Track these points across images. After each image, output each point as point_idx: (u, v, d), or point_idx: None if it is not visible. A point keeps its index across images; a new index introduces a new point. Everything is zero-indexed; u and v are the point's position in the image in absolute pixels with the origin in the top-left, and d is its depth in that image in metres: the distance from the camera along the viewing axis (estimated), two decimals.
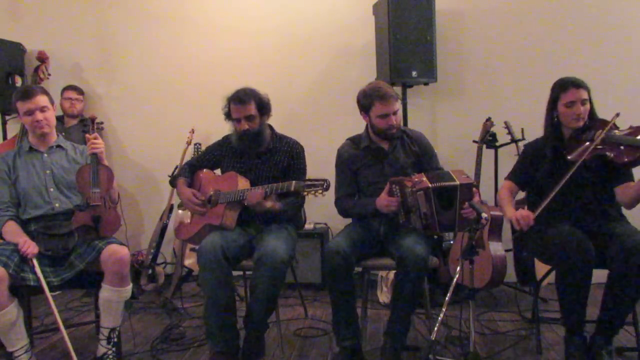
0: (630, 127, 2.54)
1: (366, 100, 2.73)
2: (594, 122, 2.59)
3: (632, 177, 2.57)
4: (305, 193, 2.48)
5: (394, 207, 2.59)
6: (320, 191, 2.45)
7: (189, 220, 3.01)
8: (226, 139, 3.03)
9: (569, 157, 2.55)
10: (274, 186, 2.62)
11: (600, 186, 2.57)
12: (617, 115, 2.50)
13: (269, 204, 2.66)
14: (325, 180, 2.46)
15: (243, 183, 2.79)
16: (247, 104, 2.79)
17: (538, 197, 2.69)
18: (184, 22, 4.32)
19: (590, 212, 2.57)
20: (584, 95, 2.55)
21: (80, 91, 4.24)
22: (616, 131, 2.53)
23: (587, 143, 2.51)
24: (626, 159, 2.44)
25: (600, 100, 2.50)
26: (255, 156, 2.90)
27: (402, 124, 2.83)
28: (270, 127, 2.96)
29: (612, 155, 2.47)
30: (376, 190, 2.70)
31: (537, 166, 2.69)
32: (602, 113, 2.63)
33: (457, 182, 2.48)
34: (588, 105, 2.57)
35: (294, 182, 2.53)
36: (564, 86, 2.59)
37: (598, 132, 2.51)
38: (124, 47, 4.41)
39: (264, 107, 2.84)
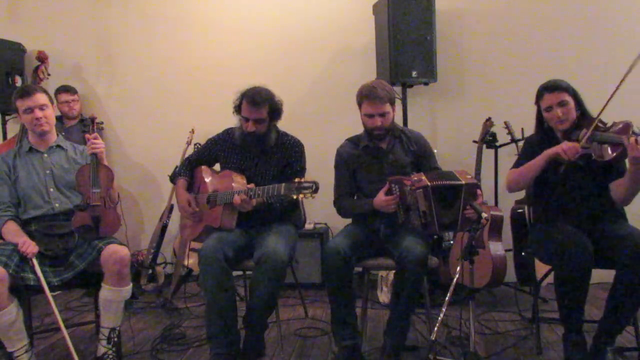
0: (614, 123, 2.49)
1: (358, 97, 2.75)
2: (585, 119, 2.55)
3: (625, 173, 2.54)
4: (295, 196, 2.42)
5: (391, 205, 2.59)
6: (310, 194, 2.39)
7: (191, 222, 3.00)
8: (228, 133, 2.98)
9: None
10: (263, 189, 2.57)
11: (596, 186, 2.56)
12: (598, 117, 2.47)
13: (254, 201, 2.64)
14: (314, 183, 2.40)
15: (239, 181, 2.77)
16: (261, 108, 2.74)
17: (538, 195, 2.71)
18: (184, 22, 4.32)
19: (589, 213, 2.56)
20: (561, 97, 2.53)
21: (73, 91, 4.18)
22: (601, 129, 2.48)
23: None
24: (607, 158, 2.41)
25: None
26: (257, 154, 2.88)
27: (390, 124, 2.76)
28: (276, 127, 2.91)
29: (595, 154, 2.45)
30: (376, 189, 2.69)
31: None
32: (603, 113, 2.56)
33: (463, 182, 2.47)
34: (569, 106, 2.54)
35: (283, 184, 2.48)
36: (539, 93, 2.61)
37: (582, 132, 2.48)
38: (124, 47, 4.41)
39: (275, 111, 2.81)
